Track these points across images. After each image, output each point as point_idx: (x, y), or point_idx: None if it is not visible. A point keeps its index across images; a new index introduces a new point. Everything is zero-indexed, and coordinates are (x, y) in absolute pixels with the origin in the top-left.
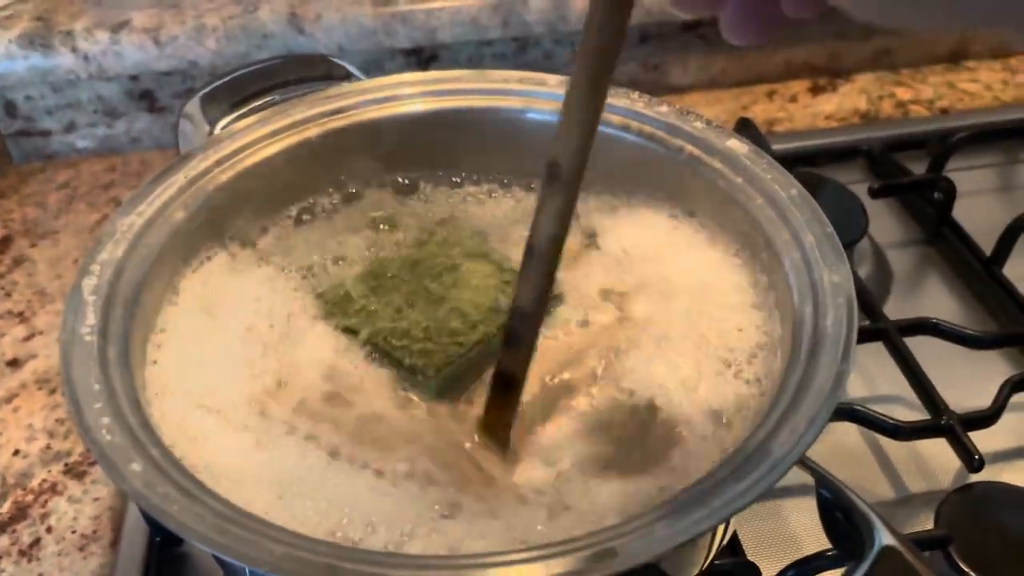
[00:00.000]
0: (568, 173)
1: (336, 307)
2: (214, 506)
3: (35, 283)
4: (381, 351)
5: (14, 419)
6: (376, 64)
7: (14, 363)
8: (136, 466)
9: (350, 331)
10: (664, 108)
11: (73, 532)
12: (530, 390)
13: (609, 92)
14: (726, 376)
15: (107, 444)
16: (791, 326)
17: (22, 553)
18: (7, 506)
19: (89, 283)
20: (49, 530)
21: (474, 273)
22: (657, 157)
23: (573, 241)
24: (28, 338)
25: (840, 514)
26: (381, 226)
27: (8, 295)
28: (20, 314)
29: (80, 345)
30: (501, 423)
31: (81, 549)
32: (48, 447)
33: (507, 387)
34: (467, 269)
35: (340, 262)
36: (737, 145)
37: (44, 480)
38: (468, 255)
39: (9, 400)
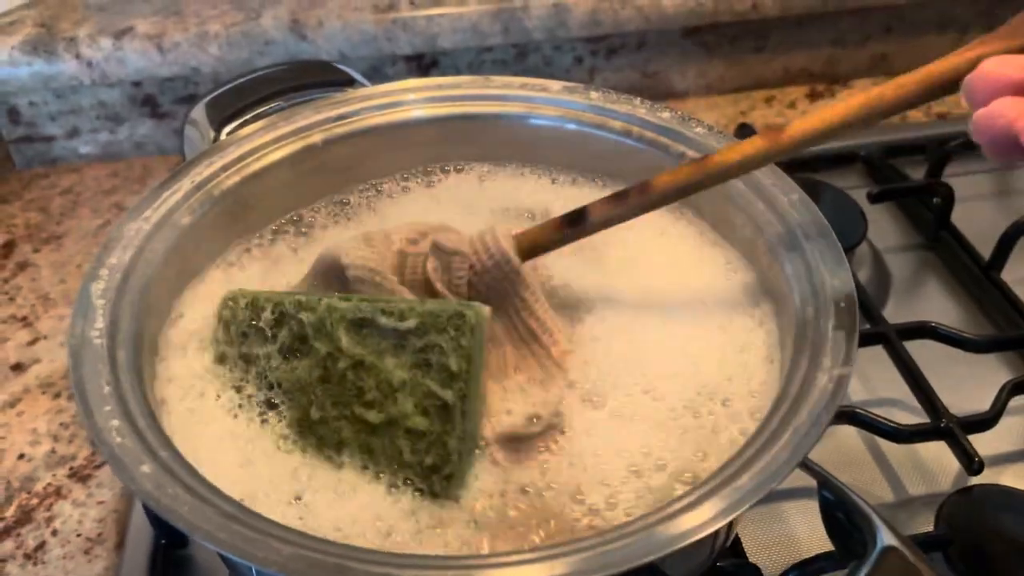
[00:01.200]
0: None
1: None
2: (222, 507)
3: (38, 288)
4: None
5: (18, 423)
6: (377, 70)
7: (18, 367)
8: (146, 468)
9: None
10: (666, 114)
11: (78, 535)
12: None
13: (611, 98)
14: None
15: (117, 446)
16: (793, 329)
17: (27, 556)
18: (12, 510)
19: (98, 287)
20: (54, 533)
21: (381, 361)
22: (659, 162)
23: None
24: (32, 342)
25: (842, 515)
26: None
27: (12, 300)
28: (24, 319)
29: (89, 348)
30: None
31: (86, 552)
32: (53, 451)
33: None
34: (373, 361)
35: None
36: None
37: (49, 484)
38: (349, 331)
39: (13, 404)
